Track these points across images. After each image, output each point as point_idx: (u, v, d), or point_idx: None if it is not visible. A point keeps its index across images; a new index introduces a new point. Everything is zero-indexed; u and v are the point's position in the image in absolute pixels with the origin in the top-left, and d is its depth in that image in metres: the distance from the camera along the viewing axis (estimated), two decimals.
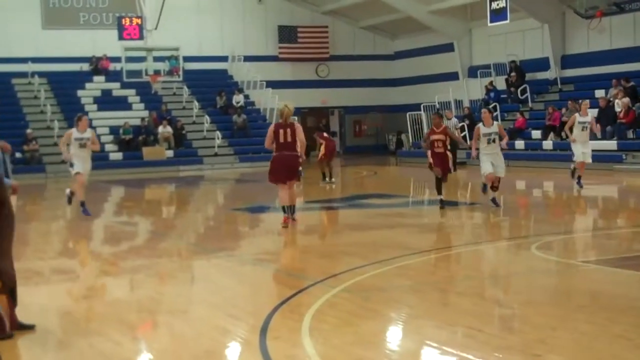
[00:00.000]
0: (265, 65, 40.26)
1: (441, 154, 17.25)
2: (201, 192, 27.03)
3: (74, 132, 17.56)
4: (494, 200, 17.11)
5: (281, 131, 14.72)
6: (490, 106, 34.85)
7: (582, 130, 19.92)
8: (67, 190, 18.53)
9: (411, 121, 38.25)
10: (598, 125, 22.35)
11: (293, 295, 9.20)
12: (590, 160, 20.27)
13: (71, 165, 17.94)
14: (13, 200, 8.65)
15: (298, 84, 41.25)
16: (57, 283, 11.10)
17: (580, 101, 23.01)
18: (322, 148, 23.52)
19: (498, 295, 9.45)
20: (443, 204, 17.41)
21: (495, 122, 17.66)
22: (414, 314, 8.55)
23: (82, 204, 17.68)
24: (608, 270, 10.47)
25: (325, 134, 25.19)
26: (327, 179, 23.97)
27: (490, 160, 16.80)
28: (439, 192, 17.45)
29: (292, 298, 9.06)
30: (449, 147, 17.51)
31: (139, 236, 16.37)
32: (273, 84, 38.75)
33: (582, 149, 19.85)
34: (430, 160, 17.36)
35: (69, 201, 18.44)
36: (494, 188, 17.09)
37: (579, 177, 20.06)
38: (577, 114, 20.54)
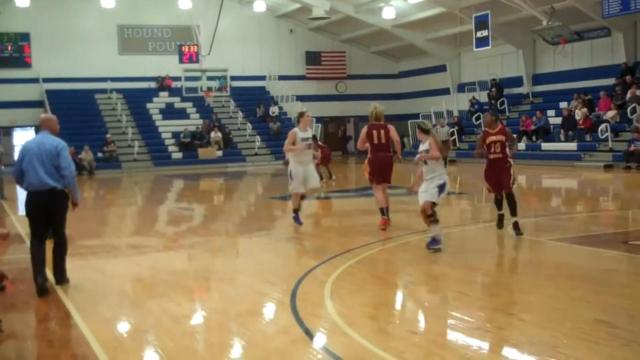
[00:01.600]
0: (295, 83, 40.25)
1: (499, 161, 11.49)
2: (244, 184, 27.07)
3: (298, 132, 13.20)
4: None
5: (375, 132, 12.14)
6: (474, 116, 34.98)
7: None
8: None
9: (412, 128, 38.22)
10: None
11: (317, 266, 9.21)
12: None
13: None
14: None
15: (321, 98, 41.24)
16: (130, 256, 11.17)
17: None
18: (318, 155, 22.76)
19: (481, 266, 9.41)
20: (501, 222, 11.75)
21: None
22: (413, 281, 8.55)
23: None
24: (570, 247, 10.41)
25: (320, 143, 24.69)
26: (331, 177, 23.49)
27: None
28: (499, 208, 11.83)
29: (316, 268, 9.07)
30: (510, 151, 11.74)
31: (195, 219, 16.43)
32: (301, 98, 38.79)
33: None
34: (485, 175, 11.86)
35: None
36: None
37: None
38: None
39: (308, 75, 41.60)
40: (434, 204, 10.00)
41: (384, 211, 12.28)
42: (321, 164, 21.59)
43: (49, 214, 8.31)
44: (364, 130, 12.28)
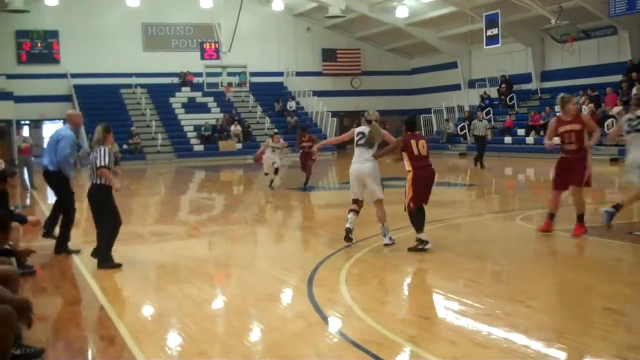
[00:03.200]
0: (312, 78, 40.24)
1: (574, 154, 9.83)
2: (262, 176, 27.08)
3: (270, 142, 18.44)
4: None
5: (412, 142, 9.25)
6: (484, 111, 34.81)
7: None
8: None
9: (424, 122, 38.20)
10: None
11: (332, 254, 9.21)
12: None
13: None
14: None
15: (337, 93, 41.22)
16: (154, 243, 11.21)
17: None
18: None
19: (491, 255, 9.38)
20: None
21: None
22: (425, 268, 8.52)
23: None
24: (578, 237, 10.34)
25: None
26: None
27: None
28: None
29: (332, 256, 9.07)
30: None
31: (216, 208, 16.47)
32: (318, 93, 38.81)
33: None
34: (552, 172, 10.48)
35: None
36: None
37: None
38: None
39: (324, 72, 41.54)
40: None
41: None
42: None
43: (53, 189, 10.26)
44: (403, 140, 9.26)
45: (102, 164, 8.55)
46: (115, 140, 32.55)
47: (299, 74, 40.23)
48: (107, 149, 8.72)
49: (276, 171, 18.34)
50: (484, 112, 34.78)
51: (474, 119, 25.98)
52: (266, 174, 18.64)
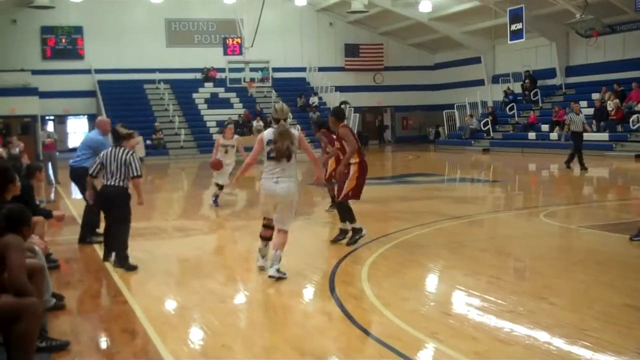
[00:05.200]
0: (334, 74, 40.18)
1: None
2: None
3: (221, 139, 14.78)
4: None
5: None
6: (508, 106, 34.59)
7: None
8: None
9: (447, 117, 38.08)
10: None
11: (354, 249, 9.23)
12: None
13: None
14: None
15: (359, 89, 41.17)
16: (177, 238, 11.30)
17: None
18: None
19: (513, 251, 9.36)
20: None
21: None
22: (447, 265, 8.52)
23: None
24: (600, 234, 10.29)
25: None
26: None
27: None
28: None
29: (354, 252, 9.09)
30: None
31: (239, 203, 16.54)
32: (340, 89, 38.75)
33: None
34: None
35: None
36: None
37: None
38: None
39: (347, 67, 41.50)
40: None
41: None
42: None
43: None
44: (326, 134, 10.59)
45: (138, 173, 8.59)
46: (139, 136, 33.00)
47: (321, 69, 40.23)
48: (138, 157, 8.84)
49: (220, 187, 14.54)
50: (507, 107, 34.67)
51: (569, 112, 23.87)
52: (220, 187, 14.54)
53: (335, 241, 9.65)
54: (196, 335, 5.98)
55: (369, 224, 12.05)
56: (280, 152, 7.62)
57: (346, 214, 9.48)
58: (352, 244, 9.27)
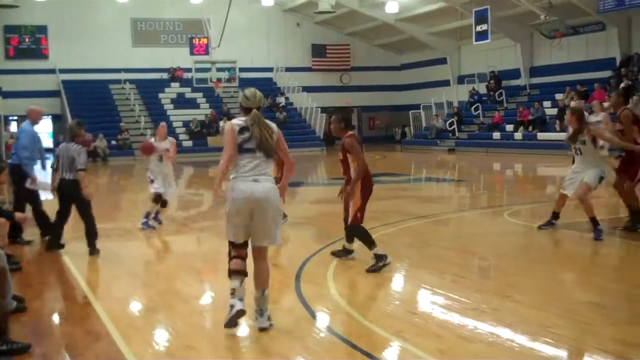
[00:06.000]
0: (301, 74, 40.17)
1: None
2: None
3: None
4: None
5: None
6: (473, 107, 34.89)
7: None
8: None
9: (413, 118, 38.33)
10: None
11: (321, 249, 9.23)
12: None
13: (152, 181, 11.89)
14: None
15: (326, 89, 41.22)
16: (142, 239, 11.18)
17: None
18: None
19: (477, 250, 9.43)
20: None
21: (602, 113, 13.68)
22: (412, 263, 8.56)
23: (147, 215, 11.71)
24: (562, 232, 10.41)
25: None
26: None
27: None
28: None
29: (320, 251, 9.09)
30: None
31: (204, 204, 16.46)
32: (307, 89, 38.81)
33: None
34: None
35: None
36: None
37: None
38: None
39: (314, 67, 41.52)
40: None
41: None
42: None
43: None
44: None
45: (81, 167, 9.25)
46: (104, 136, 32.64)
47: (288, 69, 40.19)
48: (85, 150, 9.44)
49: (162, 202, 11.84)
50: (473, 107, 34.95)
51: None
52: (158, 201, 11.74)
53: (336, 255, 8.45)
54: (161, 337, 5.93)
55: (335, 223, 12.03)
56: (260, 142, 5.74)
57: (363, 238, 8.03)
58: (374, 272, 7.75)
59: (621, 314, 6.15)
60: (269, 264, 6.05)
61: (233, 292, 5.81)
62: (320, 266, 8.19)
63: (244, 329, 6.14)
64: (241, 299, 5.81)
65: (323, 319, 6.20)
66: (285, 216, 8.93)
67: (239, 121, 5.86)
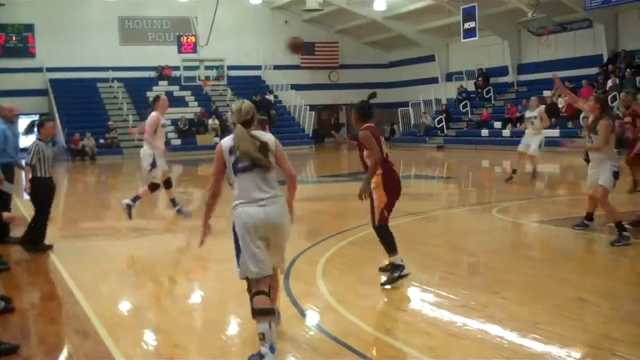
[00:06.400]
0: (289, 72, 40.09)
1: None
2: None
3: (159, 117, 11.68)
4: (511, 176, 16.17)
5: (381, 138, 7.37)
6: (461, 104, 34.98)
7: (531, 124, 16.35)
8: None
9: (401, 115, 38.34)
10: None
11: (310, 247, 9.21)
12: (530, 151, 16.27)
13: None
14: None
15: (315, 87, 41.20)
16: (131, 238, 11.15)
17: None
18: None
19: (466, 247, 9.44)
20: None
21: (537, 108, 16.15)
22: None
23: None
24: (550, 228, 10.46)
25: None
26: None
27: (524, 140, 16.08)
28: None
29: (310, 249, 9.08)
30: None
31: (194, 203, 16.39)
32: (296, 87, 38.78)
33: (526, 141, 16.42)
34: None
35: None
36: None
37: (514, 170, 16.68)
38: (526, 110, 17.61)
39: (302, 65, 41.44)
40: None
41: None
42: None
43: None
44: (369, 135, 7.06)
45: (27, 162, 9.36)
46: (92, 135, 32.49)
47: (276, 67, 40.09)
48: (37, 146, 9.41)
49: (167, 182, 12.16)
50: (461, 105, 35.03)
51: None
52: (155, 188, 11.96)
53: (382, 270, 7.40)
54: (150, 336, 5.91)
55: (325, 220, 12.07)
56: (248, 155, 5.19)
57: (385, 241, 7.28)
58: (388, 284, 7.10)
59: (611, 310, 6.17)
60: None
61: (262, 337, 4.94)
62: (309, 264, 8.18)
63: (233, 327, 6.13)
64: (272, 348, 4.94)
65: (312, 317, 6.19)
66: (401, 268, 7.29)
67: (228, 141, 5.33)
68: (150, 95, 37.04)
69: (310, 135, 36.91)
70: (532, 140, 16.13)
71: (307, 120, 37.42)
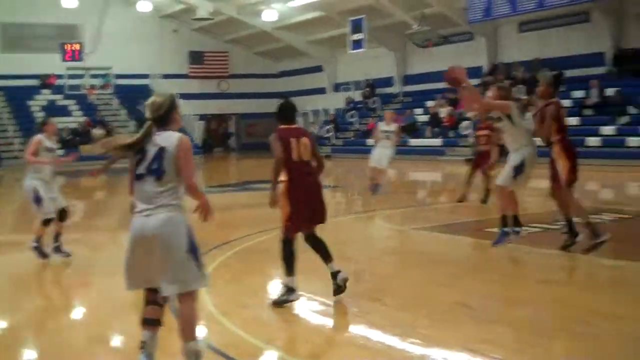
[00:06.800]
0: (178, 81, 39.46)
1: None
2: (125, 181, 26.40)
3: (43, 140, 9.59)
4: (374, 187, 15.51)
5: (293, 141, 6.57)
6: (349, 114, 35.55)
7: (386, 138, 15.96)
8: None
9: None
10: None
11: None
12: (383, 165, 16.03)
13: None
14: None
15: (204, 96, 40.86)
16: (9, 253, 10.72)
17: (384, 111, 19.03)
18: None
19: (352, 254, 9.56)
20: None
21: (394, 123, 16.00)
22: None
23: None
24: (432, 235, 10.75)
25: None
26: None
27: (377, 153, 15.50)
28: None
29: None
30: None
31: (76, 215, 15.88)
32: (185, 96, 38.13)
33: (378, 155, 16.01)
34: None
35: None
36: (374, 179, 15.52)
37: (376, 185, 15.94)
38: (380, 123, 17.15)
39: (191, 74, 41.09)
40: None
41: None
42: None
43: None
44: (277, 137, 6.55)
45: None
46: None
47: (165, 76, 39.50)
48: None
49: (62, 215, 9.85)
50: (349, 115, 35.56)
51: None
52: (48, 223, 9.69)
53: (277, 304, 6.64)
54: (28, 355, 5.68)
55: (211, 231, 11.89)
56: (147, 163, 4.73)
57: (285, 259, 6.77)
58: (278, 304, 6.61)
59: (486, 313, 6.39)
60: None
61: (142, 346, 4.82)
62: None
63: (115, 342, 5.97)
64: (150, 356, 4.79)
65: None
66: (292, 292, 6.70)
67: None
68: (33, 104, 35.90)
69: (200, 145, 36.54)
70: (383, 154, 15.73)
71: (196, 129, 37.03)
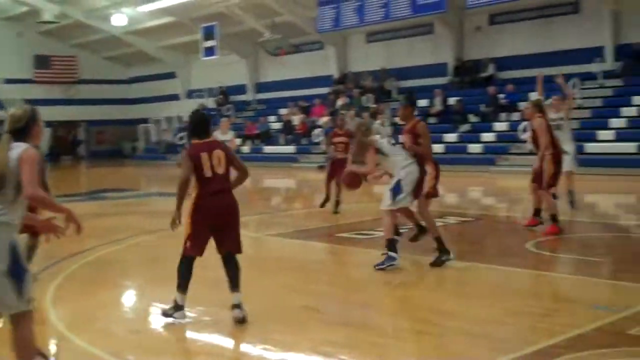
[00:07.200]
0: (23, 86, 37.76)
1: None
2: None
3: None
4: None
5: (204, 156, 6.22)
6: None
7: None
8: None
9: (143, 132, 37.84)
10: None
11: (40, 271, 8.69)
12: None
13: None
14: None
15: (51, 102, 38.95)
16: None
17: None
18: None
19: (207, 262, 9.47)
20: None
21: (230, 132, 15.39)
22: (140, 281, 8.44)
23: None
24: (285, 240, 10.90)
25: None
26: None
27: None
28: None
29: (40, 274, 8.55)
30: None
31: None
32: (30, 102, 36.38)
33: None
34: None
35: None
36: None
37: None
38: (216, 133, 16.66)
39: (36, 79, 39.37)
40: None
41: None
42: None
43: None
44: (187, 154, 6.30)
45: None
46: None
47: (8, 81, 37.61)
48: None
49: None
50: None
51: None
52: None
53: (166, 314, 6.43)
54: None
55: (59, 242, 11.45)
56: None
57: (179, 277, 6.50)
58: (166, 317, 6.37)
59: (335, 316, 6.56)
60: None
61: None
62: (39, 290, 7.73)
63: None
64: None
65: (39, 347, 5.86)
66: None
67: None
68: None
69: (47, 153, 35.05)
70: None
71: (42, 138, 35.45)
